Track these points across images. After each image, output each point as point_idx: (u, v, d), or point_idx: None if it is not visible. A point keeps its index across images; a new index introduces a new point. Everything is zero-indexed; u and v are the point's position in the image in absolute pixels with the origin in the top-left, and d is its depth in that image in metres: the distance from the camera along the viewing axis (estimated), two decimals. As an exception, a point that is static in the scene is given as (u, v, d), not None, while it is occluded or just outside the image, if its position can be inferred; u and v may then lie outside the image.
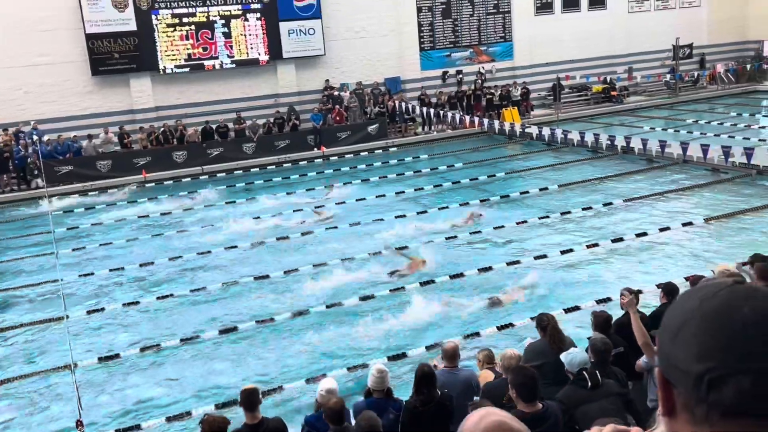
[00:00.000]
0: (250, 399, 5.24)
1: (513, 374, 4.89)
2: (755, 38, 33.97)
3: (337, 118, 25.34)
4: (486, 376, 6.34)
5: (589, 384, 5.31)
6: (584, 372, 5.43)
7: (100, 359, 10.10)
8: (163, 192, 20.59)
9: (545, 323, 6.45)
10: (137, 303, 12.12)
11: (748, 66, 33.06)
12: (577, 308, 10.25)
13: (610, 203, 16.03)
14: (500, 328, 9.90)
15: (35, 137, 21.55)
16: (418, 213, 16.32)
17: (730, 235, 13.37)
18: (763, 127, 23.65)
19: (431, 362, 6.96)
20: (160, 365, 9.96)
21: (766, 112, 27.70)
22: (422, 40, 28.47)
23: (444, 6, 28.56)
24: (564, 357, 5.55)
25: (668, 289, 6.94)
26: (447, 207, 16.62)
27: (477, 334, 9.78)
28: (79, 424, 5.96)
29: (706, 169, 18.18)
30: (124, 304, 12.07)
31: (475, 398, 5.65)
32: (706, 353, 1.06)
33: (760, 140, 20.88)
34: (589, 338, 6.33)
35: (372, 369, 5.66)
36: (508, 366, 5.55)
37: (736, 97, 30.72)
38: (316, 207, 17.59)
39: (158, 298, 12.34)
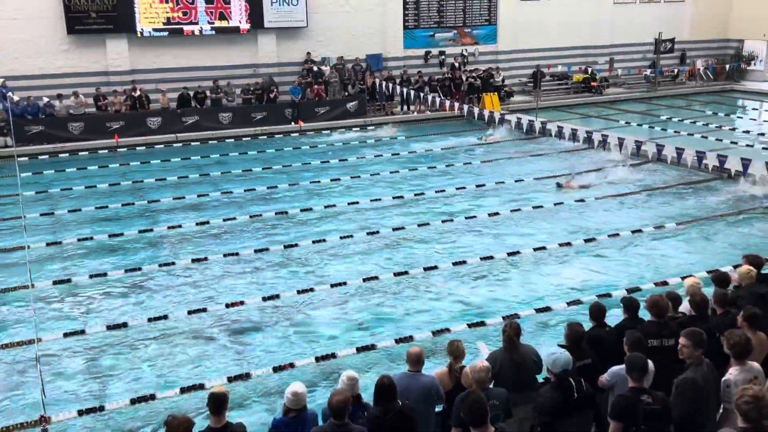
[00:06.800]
0: (218, 403, 5.22)
1: (462, 399, 4.93)
2: (736, 37, 34.25)
3: (320, 95, 25.01)
4: (441, 380, 6.36)
5: (576, 395, 5.34)
6: (570, 379, 5.45)
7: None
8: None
9: (504, 331, 6.54)
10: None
11: (728, 65, 33.35)
12: (548, 308, 10.46)
13: (582, 200, 16.16)
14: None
15: (8, 94, 21.03)
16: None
17: (700, 240, 13.58)
18: (734, 129, 23.89)
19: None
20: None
21: (741, 113, 27.99)
22: (407, 18, 28.18)
23: (430, -16, 28.30)
24: (547, 355, 5.59)
25: (629, 306, 7.01)
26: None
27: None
28: (42, 420, 5.76)
29: (679, 169, 18.36)
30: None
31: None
32: None
33: (731, 143, 21.16)
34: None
35: (342, 376, 5.67)
36: (478, 380, 5.60)
37: (714, 95, 31.04)
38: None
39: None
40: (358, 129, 24.55)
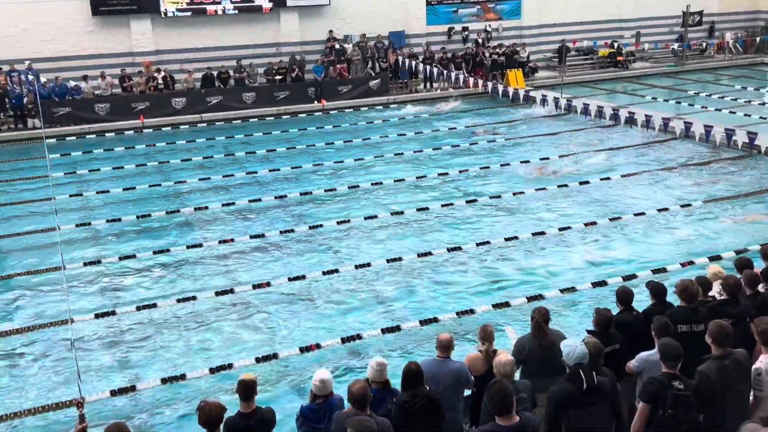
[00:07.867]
0: (247, 389, 5.31)
1: (487, 389, 4.94)
2: (767, 8, 33.43)
3: (342, 73, 24.91)
4: (474, 363, 6.39)
5: (585, 386, 5.34)
6: (581, 371, 5.44)
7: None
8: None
9: (533, 317, 6.53)
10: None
11: (758, 37, 32.58)
12: (573, 289, 10.47)
13: (608, 178, 16.02)
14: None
15: (30, 77, 21.24)
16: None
17: (728, 219, 13.41)
18: (764, 104, 23.38)
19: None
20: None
21: (771, 87, 27.41)
22: (430, -7, 27.93)
23: (454, -41, 27.94)
24: (563, 347, 5.59)
25: (656, 291, 6.94)
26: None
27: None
28: (77, 402, 5.90)
29: (707, 146, 18.08)
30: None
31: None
32: None
33: (761, 118, 20.76)
34: (586, 335, 6.35)
35: (371, 362, 5.72)
36: (505, 374, 5.61)
37: (743, 68, 30.42)
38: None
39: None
40: (417, 103, 24.75)
